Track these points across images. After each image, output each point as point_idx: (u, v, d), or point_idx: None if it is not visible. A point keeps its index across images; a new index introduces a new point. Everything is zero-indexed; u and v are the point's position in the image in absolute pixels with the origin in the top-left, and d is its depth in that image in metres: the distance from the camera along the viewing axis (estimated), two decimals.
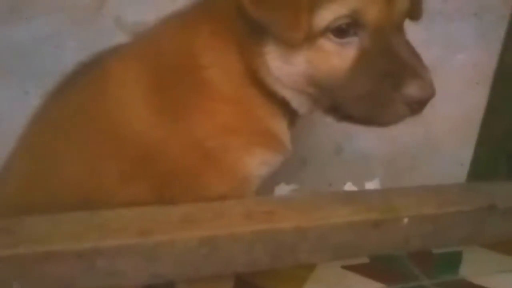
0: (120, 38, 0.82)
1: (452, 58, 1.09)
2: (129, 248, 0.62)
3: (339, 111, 0.65)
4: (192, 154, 0.67)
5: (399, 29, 0.64)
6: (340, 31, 0.60)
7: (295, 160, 1.06)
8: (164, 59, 0.69)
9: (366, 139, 1.09)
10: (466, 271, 0.99)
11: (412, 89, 0.58)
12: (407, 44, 0.63)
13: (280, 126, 0.72)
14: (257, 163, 0.70)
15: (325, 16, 0.58)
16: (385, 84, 0.59)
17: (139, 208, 0.66)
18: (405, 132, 1.13)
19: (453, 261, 1.00)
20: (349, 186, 1.08)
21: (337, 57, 0.61)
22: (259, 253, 0.67)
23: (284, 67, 0.64)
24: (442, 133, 1.13)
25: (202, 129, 0.67)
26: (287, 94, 0.67)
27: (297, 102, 0.68)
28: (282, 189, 1.05)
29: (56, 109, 0.74)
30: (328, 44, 0.61)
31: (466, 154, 1.15)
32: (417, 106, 0.60)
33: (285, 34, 0.59)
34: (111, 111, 0.68)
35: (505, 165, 1.13)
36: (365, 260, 1.00)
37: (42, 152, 0.72)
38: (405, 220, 0.73)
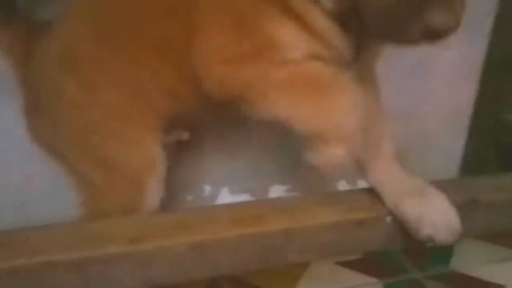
0: None
1: (439, 54, 1.10)
2: (121, 256, 0.66)
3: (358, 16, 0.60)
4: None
5: None
6: None
7: (289, 160, 1.09)
8: None
9: None
10: (457, 263, 1.01)
11: (433, 16, 0.53)
12: None
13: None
14: (290, 33, 0.64)
15: None
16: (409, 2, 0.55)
17: (130, 217, 0.70)
18: (396, 128, 1.14)
19: (444, 253, 1.02)
20: (342, 185, 1.10)
21: None
22: (246, 255, 0.70)
23: None
24: (433, 128, 1.15)
25: None
26: None
27: None
28: (277, 190, 1.07)
29: None
30: None
31: (457, 148, 1.17)
32: (434, 35, 0.55)
33: None
34: None
35: (496, 158, 1.15)
36: (358, 255, 1.02)
37: None
38: (388, 218, 0.75)
